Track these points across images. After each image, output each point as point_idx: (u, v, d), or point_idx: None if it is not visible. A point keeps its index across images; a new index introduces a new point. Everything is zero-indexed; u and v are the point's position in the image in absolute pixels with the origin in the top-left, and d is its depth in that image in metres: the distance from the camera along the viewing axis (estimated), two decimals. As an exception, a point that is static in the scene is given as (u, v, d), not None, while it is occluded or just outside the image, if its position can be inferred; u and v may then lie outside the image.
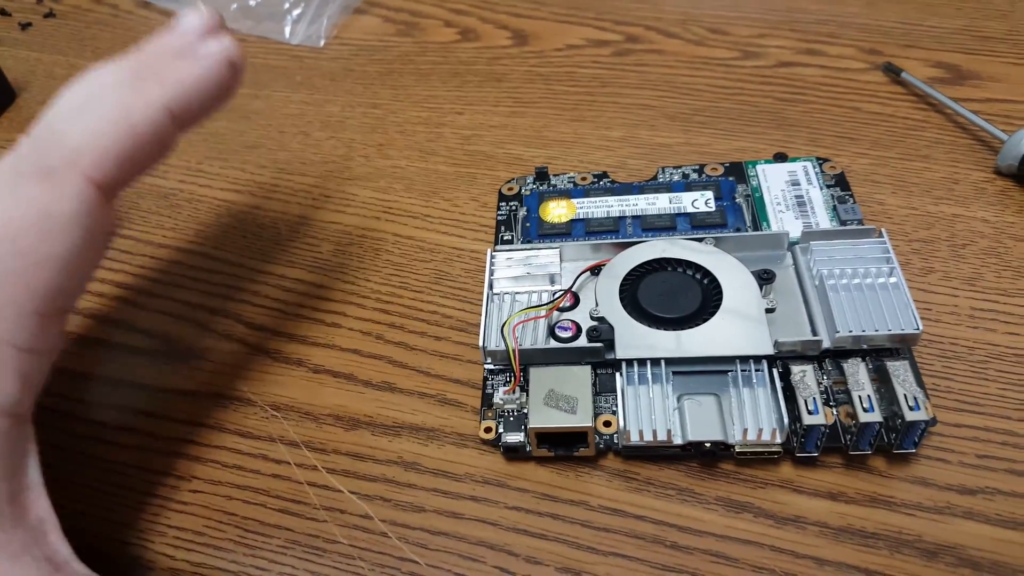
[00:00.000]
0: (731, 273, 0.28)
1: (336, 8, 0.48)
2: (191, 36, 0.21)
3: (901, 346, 0.27)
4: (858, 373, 0.25)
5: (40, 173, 0.17)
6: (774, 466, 0.26)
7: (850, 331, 0.26)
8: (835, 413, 0.26)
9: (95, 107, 0.19)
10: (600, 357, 0.27)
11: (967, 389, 0.28)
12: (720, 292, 0.28)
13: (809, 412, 0.24)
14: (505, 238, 0.34)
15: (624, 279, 0.29)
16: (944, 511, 0.25)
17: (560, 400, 0.26)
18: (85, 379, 0.32)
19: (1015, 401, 0.27)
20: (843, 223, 0.31)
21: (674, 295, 0.28)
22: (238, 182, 0.39)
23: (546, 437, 0.26)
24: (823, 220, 0.32)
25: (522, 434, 0.27)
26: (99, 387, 0.31)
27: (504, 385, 0.28)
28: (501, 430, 0.27)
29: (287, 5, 0.49)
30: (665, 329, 0.27)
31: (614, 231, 0.33)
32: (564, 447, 0.26)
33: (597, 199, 0.34)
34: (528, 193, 0.35)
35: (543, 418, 0.26)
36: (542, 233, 0.33)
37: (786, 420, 0.25)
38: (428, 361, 0.31)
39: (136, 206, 0.38)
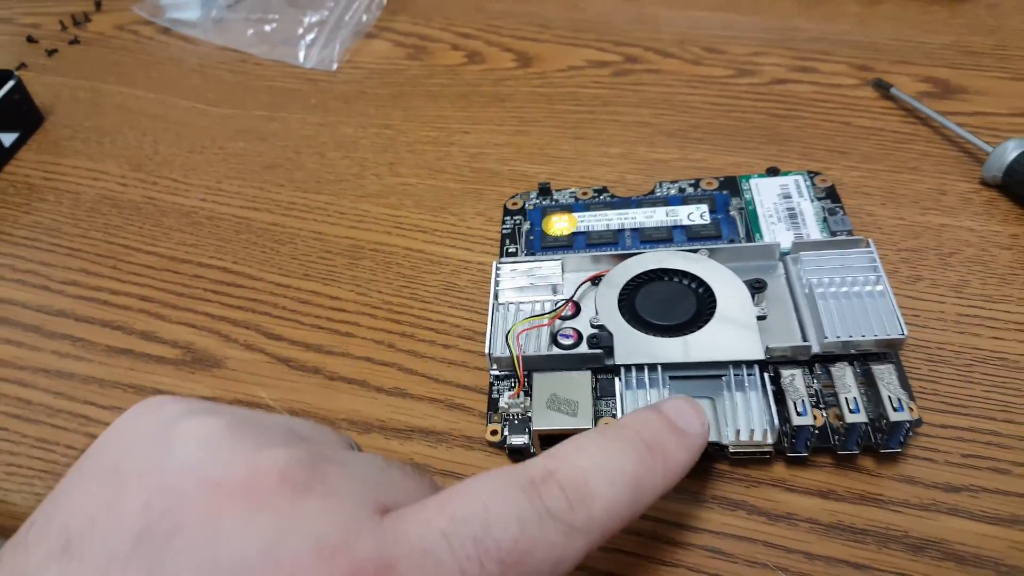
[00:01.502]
0: (724, 282, 0.30)
1: (348, 33, 0.50)
2: (681, 421, 0.22)
3: (888, 351, 0.28)
4: (845, 376, 0.27)
5: (566, 526, 0.18)
6: (767, 466, 0.28)
7: (838, 336, 0.27)
8: (824, 415, 0.27)
9: (615, 475, 0.20)
10: (600, 363, 0.29)
11: (953, 392, 0.29)
12: (714, 301, 0.29)
13: (798, 413, 0.26)
14: (510, 250, 0.35)
15: (623, 289, 0.30)
16: (930, 508, 0.26)
17: (562, 404, 0.27)
18: (112, 387, 0.33)
19: (999, 403, 0.29)
20: (833, 234, 0.33)
21: (670, 304, 0.29)
22: (257, 200, 0.41)
23: (549, 439, 0.27)
24: (814, 231, 0.33)
25: (526, 436, 0.28)
26: (126, 395, 0.33)
27: (509, 390, 0.30)
28: (506, 433, 0.28)
29: (301, 30, 0.51)
30: (662, 336, 0.28)
31: (614, 243, 0.34)
32: (566, 448, 0.28)
33: (597, 213, 0.36)
34: (532, 208, 0.37)
35: (546, 421, 0.27)
36: (545, 246, 0.35)
37: (776, 421, 0.26)
38: (437, 368, 0.32)
39: (160, 224, 0.40)
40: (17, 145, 0.46)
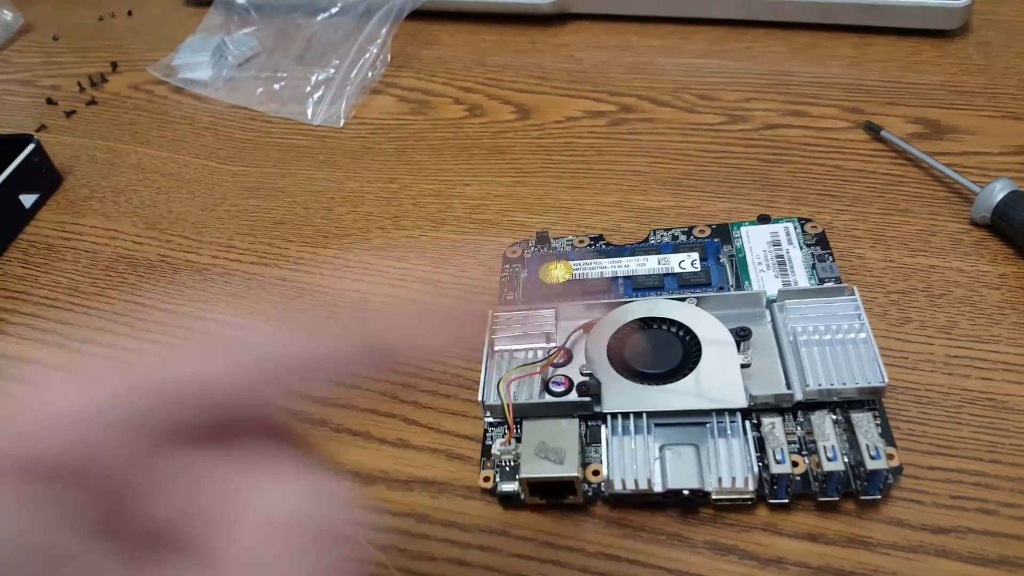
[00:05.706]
0: (710, 331, 0.30)
1: (354, 90, 0.52)
2: None
3: (870, 397, 0.29)
4: (824, 425, 0.27)
5: None
6: (756, 510, 0.28)
7: (820, 385, 0.28)
8: (807, 462, 0.28)
9: None
10: (589, 410, 0.30)
11: (941, 433, 0.30)
12: (700, 348, 0.30)
13: (777, 461, 0.27)
14: (507, 298, 0.36)
15: (612, 337, 0.31)
16: (918, 550, 0.27)
17: (549, 452, 0.28)
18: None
19: (987, 443, 0.29)
20: (821, 281, 0.34)
21: (657, 352, 0.30)
22: (267, 256, 0.43)
23: (538, 486, 0.28)
24: (801, 278, 0.34)
25: (516, 483, 0.29)
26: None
27: (501, 437, 0.31)
28: (498, 479, 0.29)
29: (309, 88, 0.53)
30: (648, 384, 0.29)
31: (607, 291, 0.35)
32: (555, 496, 0.29)
33: (592, 261, 0.37)
34: (530, 256, 0.38)
35: (533, 468, 0.28)
36: (541, 294, 0.36)
37: (757, 469, 0.27)
38: (438, 418, 0.33)
39: (173, 280, 0.42)
40: (37, 206, 0.48)
